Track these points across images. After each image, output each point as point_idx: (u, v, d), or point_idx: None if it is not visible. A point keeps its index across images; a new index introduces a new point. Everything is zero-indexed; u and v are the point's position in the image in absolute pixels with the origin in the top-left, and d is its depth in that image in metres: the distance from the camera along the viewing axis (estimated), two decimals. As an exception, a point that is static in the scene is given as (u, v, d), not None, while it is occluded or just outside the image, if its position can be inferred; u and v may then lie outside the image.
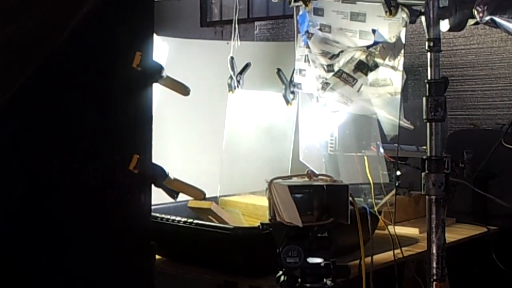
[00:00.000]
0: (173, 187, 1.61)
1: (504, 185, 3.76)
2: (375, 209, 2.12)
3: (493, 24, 1.36)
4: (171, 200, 1.73)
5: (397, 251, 2.18)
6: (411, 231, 2.66)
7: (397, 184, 2.22)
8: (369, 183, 2.13)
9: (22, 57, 1.43)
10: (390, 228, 2.19)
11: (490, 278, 3.29)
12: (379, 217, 2.10)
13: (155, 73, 1.56)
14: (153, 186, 1.61)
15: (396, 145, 2.51)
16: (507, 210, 2.93)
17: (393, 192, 2.05)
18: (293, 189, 1.45)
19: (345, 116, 2.06)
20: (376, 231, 2.28)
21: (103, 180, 1.50)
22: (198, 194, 1.64)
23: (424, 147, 2.80)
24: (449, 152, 4.12)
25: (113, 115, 1.51)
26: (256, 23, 5.78)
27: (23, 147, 1.38)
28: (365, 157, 2.12)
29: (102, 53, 1.48)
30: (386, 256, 2.23)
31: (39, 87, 1.40)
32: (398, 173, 2.23)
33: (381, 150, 2.07)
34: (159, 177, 1.57)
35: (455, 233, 2.70)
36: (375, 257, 2.20)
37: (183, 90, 1.65)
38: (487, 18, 1.34)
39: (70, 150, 1.45)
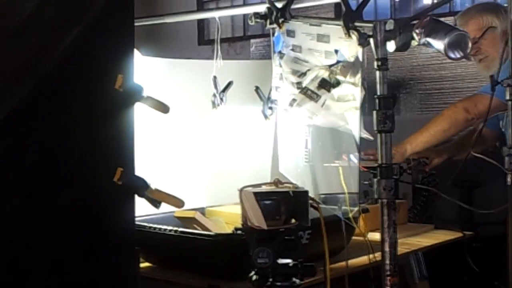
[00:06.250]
0: (155, 197, 1.74)
1: (489, 194, 3.89)
2: (350, 215, 2.24)
3: (430, 45, 1.52)
4: (159, 211, 1.88)
5: (373, 255, 2.31)
6: (387, 237, 2.78)
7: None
8: (344, 193, 2.26)
9: (16, 81, 1.58)
10: (367, 234, 2.31)
11: (477, 283, 3.40)
12: (354, 224, 2.22)
13: (136, 94, 1.70)
14: (137, 196, 1.76)
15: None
16: (493, 217, 3.04)
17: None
18: (258, 195, 1.60)
19: (317, 129, 2.21)
20: (355, 238, 2.41)
21: (90, 191, 1.65)
22: (177, 202, 1.78)
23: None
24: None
25: (99, 132, 1.65)
26: (252, 40, 5.96)
27: (18, 161, 1.53)
28: (340, 168, 2.25)
29: (87, 77, 1.62)
30: (362, 260, 2.37)
31: (31, 107, 1.55)
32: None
33: (353, 160, 2.21)
34: (141, 187, 1.70)
35: (432, 238, 2.83)
36: (353, 261, 2.34)
37: (163, 108, 1.79)
38: (423, 40, 1.50)
39: (60, 164, 1.60)
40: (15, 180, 1.52)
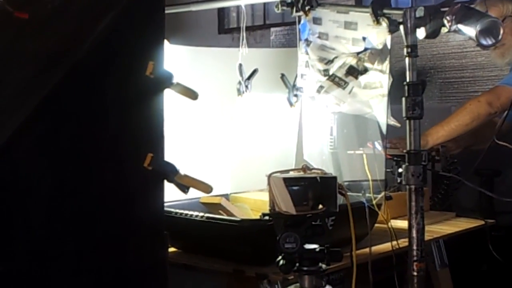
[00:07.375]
0: (184, 182, 1.76)
1: (509, 182, 3.89)
2: (374, 202, 2.25)
3: (460, 32, 1.52)
4: (185, 197, 1.91)
5: (396, 242, 2.32)
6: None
7: (399, 180, 2.37)
8: (368, 180, 2.28)
9: (49, 67, 1.61)
10: (389, 221, 2.33)
11: (496, 272, 3.41)
12: (377, 210, 2.24)
13: (166, 80, 1.72)
14: (166, 181, 1.79)
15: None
16: (514, 206, 3.03)
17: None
18: (287, 181, 1.63)
19: (342, 116, 2.22)
20: (377, 225, 2.43)
21: (121, 176, 1.68)
22: (206, 188, 1.80)
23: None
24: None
25: (130, 117, 1.67)
26: (272, 29, 5.95)
27: (51, 147, 1.56)
28: (364, 155, 2.27)
29: (119, 63, 1.64)
30: (385, 247, 2.38)
31: (64, 93, 1.57)
32: (400, 170, 2.38)
33: (378, 147, 2.22)
34: (171, 173, 1.72)
35: (454, 226, 2.84)
36: (375, 248, 2.35)
37: (192, 95, 1.81)
38: (454, 27, 1.50)
39: (93, 149, 1.63)
40: (48, 165, 1.55)
